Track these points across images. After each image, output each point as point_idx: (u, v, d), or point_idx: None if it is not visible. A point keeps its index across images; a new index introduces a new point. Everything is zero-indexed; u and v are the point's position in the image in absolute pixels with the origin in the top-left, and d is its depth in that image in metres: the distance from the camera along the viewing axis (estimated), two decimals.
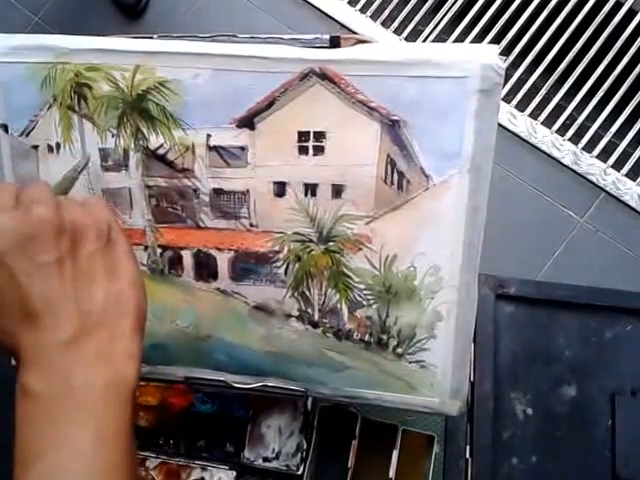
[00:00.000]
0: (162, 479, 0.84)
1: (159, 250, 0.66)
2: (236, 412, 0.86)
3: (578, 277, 1.81)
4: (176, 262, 0.66)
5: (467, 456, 0.85)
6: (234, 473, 0.84)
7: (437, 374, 0.65)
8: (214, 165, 0.62)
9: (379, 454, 0.83)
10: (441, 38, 2.06)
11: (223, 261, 0.65)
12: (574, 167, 1.93)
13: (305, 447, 0.84)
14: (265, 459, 0.85)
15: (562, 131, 1.97)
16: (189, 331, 0.68)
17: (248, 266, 0.65)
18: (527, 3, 2.02)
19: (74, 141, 0.64)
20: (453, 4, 2.07)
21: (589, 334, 0.90)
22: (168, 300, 0.67)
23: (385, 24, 2.09)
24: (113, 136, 0.63)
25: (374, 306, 0.64)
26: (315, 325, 0.66)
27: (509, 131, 1.97)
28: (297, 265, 0.64)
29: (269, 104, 0.60)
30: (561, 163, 1.94)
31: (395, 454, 0.82)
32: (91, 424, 0.42)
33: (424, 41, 2.06)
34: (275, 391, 0.69)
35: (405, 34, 2.08)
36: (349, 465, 0.82)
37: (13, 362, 0.71)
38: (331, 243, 0.63)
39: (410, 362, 0.65)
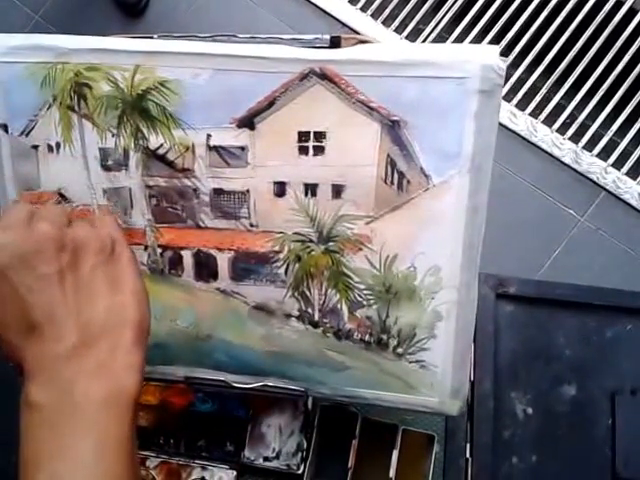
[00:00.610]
0: (162, 479, 0.84)
1: (159, 250, 0.66)
2: (236, 412, 0.86)
3: (578, 276, 1.81)
4: (176, 262, 0.66)
5: (467, 455, 0.85)
6: (234, 472, 0.84)
7: (437, 374, 0.65)
8: (214, 165, 0.62)
9: (379, 454, 0.83)
10: (442, 37, 2.06)
11: (223, 261, 0.65)
12: (574, 166, 1.93)
13: (305, 447, 0.84)
14: (265, 459, 0.85)
15: (562, 130, 1.97)
16: (189, 331, 0.68)
17: (248, 266, 0.65)
18: (528, 2, 2.02)
19: (74, 141, 0.64)
20: (454, 3, 2.07)
21: (589, 333, 0.90)
22: (168, 300, 0.67)
23: (386, 23, 2.09)
24: (113, 136, 0.63)
25: (374, 306, 0.64)
26: (315, 325, 0.66)
27: (510, 130, 1.97)
28: (297, 265, 0.64)
29: (269, 104, 0.60)
30: (561, 162, 1.94)
31: (395, 454, 0.82)
32: (92, 434, 0.43)
33: (425, 40, 2.06)
34: (275, 391, 0.69)
35: (406, 33, 2.08)
36: (349, 465, 0.82)
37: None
38: (331, 243, 0.63)
39: (410, 362, 0.65)
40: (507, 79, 2.00)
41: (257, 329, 0.67)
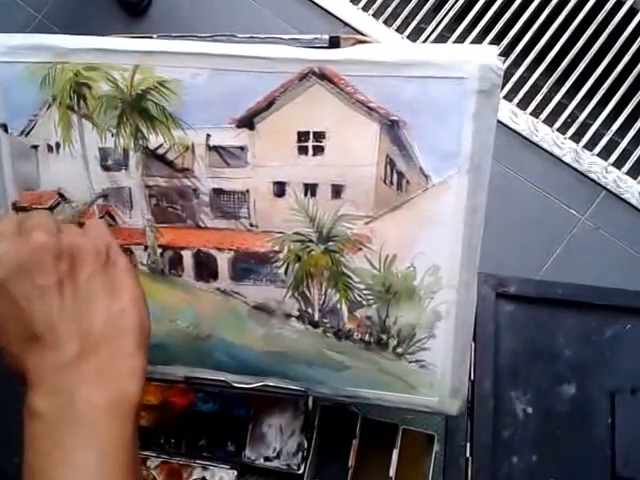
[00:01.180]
0: (163, 478, 0.84)
1: (159, 250, 0.66)
2: (237, 411, 0.86)
3: (579, 275, 1.81)
4: (176, 262, 0.66)
5: (467, 455, 0.85)
6: (235, 472, 0.84)
7: (437, 373, 0.65)
8: (214, 165, 0.62)
9: (379, 453, 0.83)
10: (443, 36, 2.06)
11: (223, 261, 0.65)
12: (575, 165, 1.93)
13: (306, 446, 0.84)
14: (266, 458, 0.85)
15: (563, 129, 1.97)
16: (189, 331, 0.68)
17: (248, 266, 0.65)
18: (529, 1, 2.02)
19: (74, 141, 0.64)
20: (455, 3, 2.07)
21: (589, 333, 0.90)
22: (168, 300, 0.67)
23: (387, 22, 2.09)
24: (113, 136, 0.63)
25: (374, 306, 0.64)
26: (315, 325, 0.66)
27: (510, 129, 1.97)
28: (297, 265, 0.64)
29: (269, 104, 0.60)
30: (562, 161, 1.94)
31: (395, 453, 0.82)
32: (94, 442, 0.43)
33: (426, 39, 2.06)
34: (275, 391, 0.69)
35: (407, 32, 2.08)
36: (350, 464, 0.82)
37: None
38: (331, 243, 0.63)
39: (410, 362, 0.65)
40: (508, 78, 2.00)
41: (257, 329, 0.67)
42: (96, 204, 0.65)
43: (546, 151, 1.95)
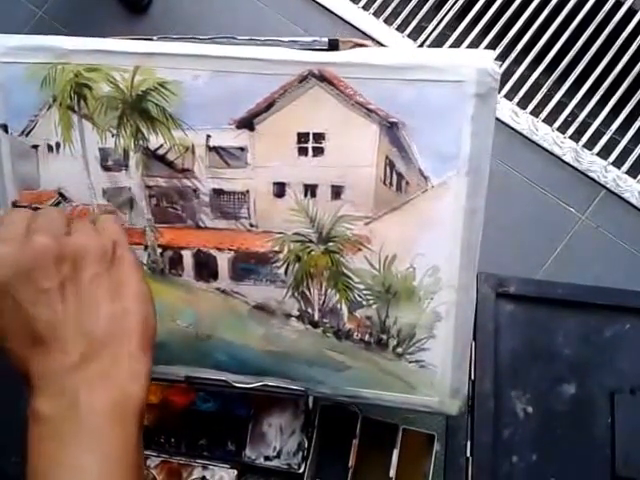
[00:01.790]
0: (163, 478, 0.84)
1: (159, 250, 0.66)
2: (237, 411, 0.87)
3: (579, 274, 1.81)
4: (176, 262, 0.66)
5: (467, 454, 0.85)
6: (235, 472, 0.85)
7: (437, 374, 0.65)
8: (214, 165, 0.63)
9: (380, 453, 0.83)
10: (444, 35, 2.06)
11: (223, 261, 0.66)
12: (575, 164, 1.93)
13: (306, 446, 0.84)
14: (266, 458, 0.85)
15: (563, 128, 1.97)
16: (189, 331, 0.68)
17: (248, 266, 0.65)
18: (529, 1, 2.02)
19: (74, 141, 0.64)
20: (455, 1, 2.07)
21: (589, 333, 0.90)
22: (168, 300, 0.67)
23: (388, 21, 2.09)
24: (113, 136, 0.63)
25: (374, 306, 0.64)
26: (315, 325, 0.66)
27: (511, 128, 1.97)
28: (297, 265, 0.64)
29: (268, 106, 0.60)
30: (562, 160, 1.94)
31: (396, 453, 0.83)
32: (98, 445, 0.43)
33: (427, 38, 2.06)
34: (275, 390, 0.69)
35: (408, 31, 2.08)
36: (350, 464, 0.82)
37: None
38: (331, 243, 0.63)
39: (410, 362, 0.65)
40: (508, 77, 2.00)
41: (257, 329, 0.67)
42: (96, 204, 0.65)
43: (546, 150, 1.95)
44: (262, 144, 0.61)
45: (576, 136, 1.96)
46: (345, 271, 0.64)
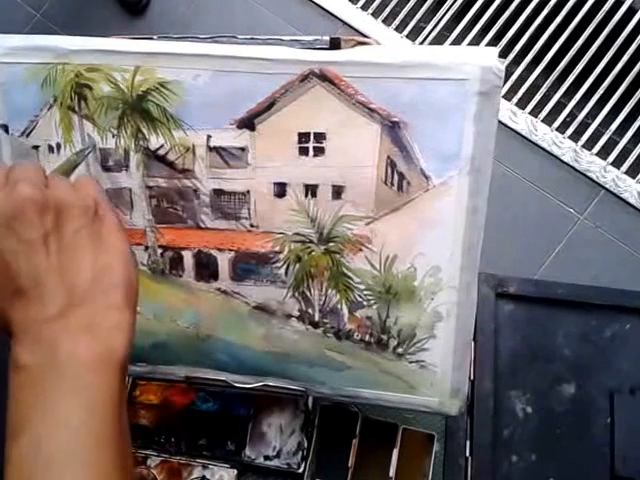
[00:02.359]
0: (163, 477, 0.84)
1: (160, 250, 0.66)
2: (237, 411, 0.87)
3: (578, 274, 1.81)
4: (177, 262, 0.66)
5: (467, 454, 0.85)
6: (235, 471, 0.85)
7: (437, 374, 0.65)
8: (214, 166, 0.63)
9: (379, 452, 0.84)
10: (443, 35, 2.06)
11: (224, 261, 0.66)
12: (574, 164, 1.93)
13: (306, 445, 0.84)
14: (266, 457, 0.85)
15: (562, 128, 1.97)
16: (190, 331, 0.68)
17: (249, 266, 0.65)
18: (528, 1, 2.02)
19: (75, 141, 0.64)
20: (454, 2, 2.07)
21: (588, 333, 0.90)
22: (169, 300, 0.67)
23: (386, 21, 2.09)
24: (114, 136, 0.63)
25: (374, 306, 0.64)
26: (315, 325, 0.66)
27: (510, 129, 1.97)
28: (297, 265, 0.64)
29: (269, 105, 0.60)
30: (561, 160, 1.94)
31: (395, 452, 0.83)
32: (77, 396, 0.43)
33: (425, 38, 2.06)
34: (276, 390, 0.69)
35: (406, 31, 2.08)
36: (350, 464, 0.83)
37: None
38: (331, 244, 0.63)
39: (410, 362, 0.65)
40: (507, 77, 2.00)
41: (258, 329, 0.67)
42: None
43: (545, 150, 1.95)
44: (263, 144, 0.61)
45: (575, 136, 1.96)
46: (346, 271, 0.64)
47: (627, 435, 0.85)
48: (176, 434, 0.87)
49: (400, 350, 0.65)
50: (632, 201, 1.90)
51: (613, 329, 0.90)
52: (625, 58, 1.95)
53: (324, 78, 0.58)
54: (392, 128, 0.59)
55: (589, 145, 1.95)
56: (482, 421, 0.86)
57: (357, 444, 0.83)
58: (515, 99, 1.99)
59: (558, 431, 0.87)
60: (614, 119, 1.94)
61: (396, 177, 0.60)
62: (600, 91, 1.95)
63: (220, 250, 0.65)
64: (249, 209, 0.63)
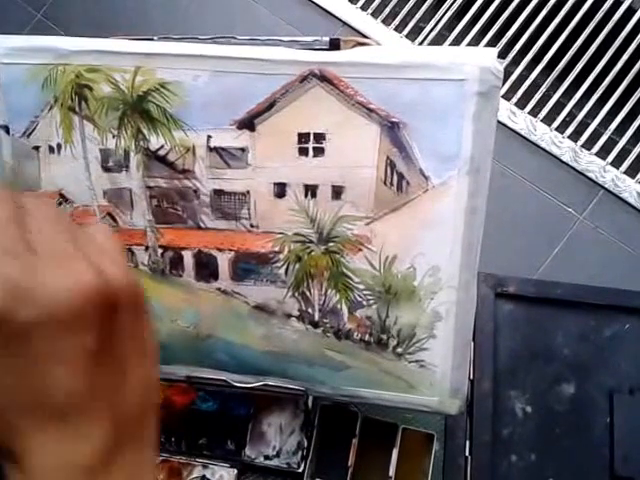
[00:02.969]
0: (164, 477, 0.84)
1: (160, 250, 0.66)
2: (237, 410, 0.87)
3: (577, 274, 1.81)
4: (177, 262, 0.67)
5: (467, 454, 0.85)
6: (235, 471, 0.85)
7: (437, 373, 0.65)
8: (214, 166, 0.63)
9: (379, 452, 0.84)
10: (442, 35, 2.06)
11: (224, 261, 0.66)
12: (573, 164, 1.93)
13: (306, 445, 0.84)
14: (266, 457, 0.85)
15: (562, 128, 1.97)
16: (190, 331, 0.68)
17: (249, 266, 0.65)
18: (528, 1, 2.02)
19: (75, 142, 0.64)
20: (454, 2, 2.07)
21: (588, 332, 0.90)
22: (169, 300, 0.68)
23: (386, 21, 2.09)
24: (114, 137, 0.64)
25: (374, 306, 0.64)
26: (315, 325, 0.66)
27: (509, 128, 1.97)
28: (297, 265, 0.65)
29: (269, 106, 0.60)
30: (560, 160, 1.94)
31: (395, 452, 0.83)
32: None
33: (425, 38, 2.06)
34: (276, 390, 0.70)
35: (406, 31, 2.08)
36: (349, 463, 0.83)
37: None
38: (331, 244, 0.63)
39: (410, 362, 0.66)
40: (507, 77, 2.00)
41: (258, 329, 0.67)
42: (97, 205, 0.66)
43: (544, 150, 1.95)
44: (263, 144, 0.61)
45: (574, 136, 1.96)
46: (345, 271, 0.64)
47: (627, 435, 0.86)
48: (176, 433, 0.87)
49: (400, 350, 0.65)
50: (631, 201, 1.90)
51: (613, 329, 0.90)
52: (624, 58, 1.95)
53: (323, 79, 0.59)
54: (391, 128, 0.59)
55: (588, 145, 1.95)
56: (482, 421, 0.86)
57: (357, 444, 0.83)
58: (514, 99, 1.99)
59: (558, 431, 0.87)
60: (613, 119, 1.95)
61: (395, 177, 0.60)
62: (600, 91, 1.95)
63: (220, 250, 0.65)
64: (249, 209, 0.63)
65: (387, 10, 2.10)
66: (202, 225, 0.65)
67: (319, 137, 0.60)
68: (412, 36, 2.08)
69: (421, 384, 0.66)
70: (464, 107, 0.58)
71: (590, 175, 1.92)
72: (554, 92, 1.99)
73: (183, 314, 0.68)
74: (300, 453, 0.84)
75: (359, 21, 2.09)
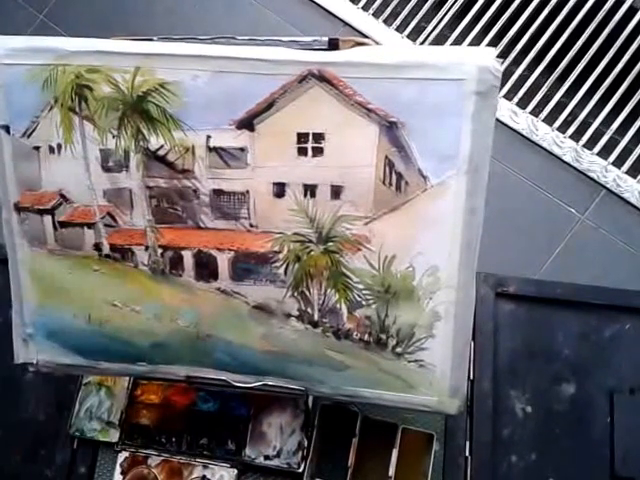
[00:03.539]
0: (164, 477, 0.84)
1: (160, 250, 0.67)
2: (237, 410, 0.87)
3: (579, 274, 1.81)
4: (177, 262, 0.67)
5: (467, 454, 0.85)
6: (235, 471, 0.85)
7: (436, 373, 0.65)
8: (214, 166, 0.63)
9: (379, 452, 0.84)
10: (443, 35, 2.06)
11: (223, 261, 0.66)
12: (575, 164, 1.92)
13: (306, 445, 0.85)
14: (266, 457, 0.85)
15: (563, 128, 1.96)
16: (190, 330, 0.68)
17: (248, 266, 0.65)
18: (529, 1, 2.02)
19: (75, 142, 0.64)
20: (455, 1, 2.07)
21: (588, 332, 0.90)
22: (169, 300, 0.68)
23: (387, 22, 2.09)
24: (114, 137, 0.64)
25: (373, 306, 0.64)
26: (315, 325, 0.66)
27: (510, 128, 1.96)
28: (297, 265, 0.65)
29: (268, 106, 0.60)
30: (562, 160, 1.94)
31: (395, 452, 0.83)
32: None
33: (426, 38, 2.06)
34: (275, 390, 0.70)
35: (407, 31, 2.08)
36: (349, 463, 0.83)
37: (17, 361, 0.72)
38: (330, 243, 0.63)
39: (409, 361, 0.66)
40: (508, 77, 2.00)
41: (257, 329, 0.67)
42: (97, 205, 0.66)
43: (546, 150, 1.95)
44: (262, 144, 0.61)
45: (576, 136, 1.95)
46: (344, 271, 0.64)
47: (627, 435, 0.85)
48: (177, 434, 0.87)
49: (399, 349, 0.65)
50: (633, 201, 1.89)
51: (613, 329, 0.90)
52: (626, 57, 1.94)
53: (322, 79, 0.59)
54: (390, 128, 0.59)
55: (590, 145, 1.94)
56: (482, 421, 0.86)
57: (357, 443, 0.83)
58: (516, 99, 1.99)
59: (558, 430, 0.87)
60: (615, 118, 1.94)
61: (394, 177, 0.60)
62: (601, 90, 1.95)
63: (220, 250, 0.65)
64: (248, 209, 0.63)
65: (388, 10, 2.09)
66: (202, 225, 0.65)
67: (318, 137, 0.60)
68: (413, 36, 2.08)
69: (420, 384, 0.66)
70: (462, 107, 0.58)
71: (592, 175, 1.92)
72: (556, 92, 1.98)
73: (183, 314, 0.68)
74: (300, 453, 0.84)
75: (360, 21, 2.08)
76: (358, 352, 0.66)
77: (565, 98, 1.97)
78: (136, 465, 0.85)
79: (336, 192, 0.61)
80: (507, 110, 1.96)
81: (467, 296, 0.63)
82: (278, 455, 0.85)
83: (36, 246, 0.68)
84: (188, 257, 0.66)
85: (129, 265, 0.67)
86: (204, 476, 0.85)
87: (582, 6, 1.97)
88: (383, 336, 0.65)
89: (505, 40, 2.02)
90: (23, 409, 0.83)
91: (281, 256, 0.64)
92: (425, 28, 2.08)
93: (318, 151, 0.60)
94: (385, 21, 2.09)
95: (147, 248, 0.67)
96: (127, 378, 0.87)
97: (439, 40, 2.06)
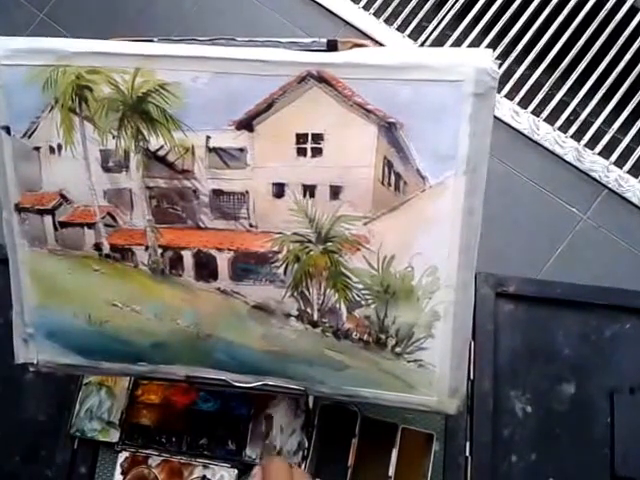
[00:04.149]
0: (164, 477, 0.85)
1: (160, 250, 0.67)
2: (238, 410, 0.87)
3: (580, 274, 1.81)
4: (177, 262, 0.67)
5: (467, 454, 0.85)
6: (236, 471, 0.85)
7: (435, 373, 0.66)
8: (213, 166, 0.63)
9: (379, 452, 0.84)
10: (445, 34, 2.06)
11: (223, 261, 0.66)
12: (577, 164, 1.93)
13: (306, 445, 0.85)
14: None
15: (565, 128, 1.96)
16: (190, 330, 0.68)
17: (248, 266, 0.66)
18: (530, 0, 2.02)
19: (75, 143, 0.65)
20: (456, 1, 2.07)
21: (589, 332, 0.90)
22: (169, 300, 0.68)
23: (388, 21, 2.09)
24: (114, 138, 0.64)
25: (372, 306, 0.65)
26: (314, 325, 0.66)
27: (512, 128, 1.96)
28: (296, 265, 0.65)
29: (268, 106, 0.60)
30: (564, 160, 1.94)
31: (395, 452, 0.83)
32: None
33: (427, 38, 2.06)
34: (275, 390, 0.70)
35: (408, 31, 2.08)
36: (349, 463, 0.83)
37: (17, 361, 0.72)
38: (329, 243, 0.63)
39: (409, 361, 0.66)
40: (509, 76, 2.00)
41: (257, 329, 0.67)
42: (97, 205, 0.66)
43: (547, 150, 1.95)
44: (261, 145, 0.62)
45: (578, 135, 1.95)
46: (344, 271, 0.64)
47: (627, 435, 0.86)
48: (177, 434, 0.87)
49: (398, 349, 0.65)
50: (635, 200, 1.89)
51: (613, 329, 0.90)
52: (627, 57, 1.94)
53: (321, 80, 0.59)
54: (389, 129, 0.59)
55: (592, 144, 1.94)
56: (482, 421, 0.86)
57: (357, 444, 0.84)
58: (517, 98, 1.99)
59: (558, 431, 0.87)
60: (617, 118, 1.94)
61: (393, 177, 0.60)
62: (603, 90, 1.95)
63: (219, 250, 0.66)
64: (248, 209, 0.64)
65: (389, 10, 2.10)
66: (201, 225, 0.65)
67: (317, 137, 0.60)
68: (414, 36, 2.08)
69: (420, 384, 0.66)
70: (460, 108, 0.58)
71: (593, 175, 1.92)
72: (557, 91, 1.98)
73: (183, 314, 0.68)
74: (300, 453, 0.85)
75: (361, 21, 2.09)
76: (357, 352, 0.66)
77: (567, 97, 1.98)
78: (136, 465, 0.85)
79: (335, 192, 0.61)
80: (508, 110, 1.96)
81: (466, 296, 0.63)
82: (279, 455, 0.85)
83: (36, 246, 0.68)
84: (188, 257, 0.66)
85: (129, 265, 0.67)
86: (204, 476, 0.85)
87: (583, 5, 1.97)
88: (382, 336, 0.65)
89: (506, 39, 2.02)
90: (23, 409, 0.83)
91: (280, 256, 0.65)
92: (426, 28, 2.08)
93: (317, 151, 0.61)
94: (386, 21, 2.09)
95: (147, 248, 0.67)
96: (127, 378, 0.88)
97: (440, 40, 2.06)
